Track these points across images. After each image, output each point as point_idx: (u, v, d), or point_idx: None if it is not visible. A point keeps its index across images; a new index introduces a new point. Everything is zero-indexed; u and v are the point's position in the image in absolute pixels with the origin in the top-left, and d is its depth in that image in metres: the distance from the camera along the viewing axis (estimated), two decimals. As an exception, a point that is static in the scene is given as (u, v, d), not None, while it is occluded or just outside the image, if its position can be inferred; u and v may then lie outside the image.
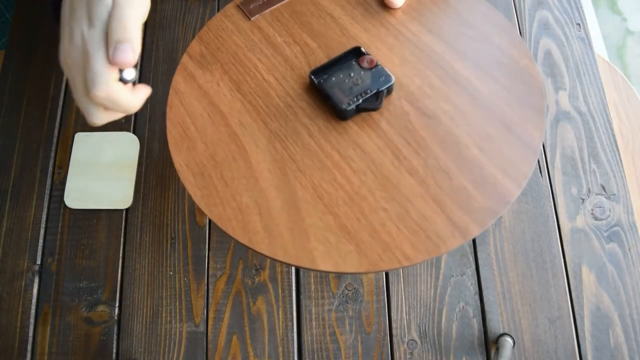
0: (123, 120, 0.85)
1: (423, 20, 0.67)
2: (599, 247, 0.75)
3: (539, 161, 0.80)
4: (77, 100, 0.55)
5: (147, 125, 0.85)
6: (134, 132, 0.84)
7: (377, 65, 0.62)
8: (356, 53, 0.64)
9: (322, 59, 0.66)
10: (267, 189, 0.58)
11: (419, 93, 0.62)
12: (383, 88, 0.60)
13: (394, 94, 0.62)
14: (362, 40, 0.66)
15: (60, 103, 0.88)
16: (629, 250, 0.75)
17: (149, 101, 0.85)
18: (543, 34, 0.89)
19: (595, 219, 0.77)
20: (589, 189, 0.79)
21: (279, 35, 0.68)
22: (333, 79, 0.62)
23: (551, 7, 0.91)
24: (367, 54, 0.63)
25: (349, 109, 0.59)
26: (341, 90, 0.61)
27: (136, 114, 0.85)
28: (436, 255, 0.52)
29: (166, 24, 0.92)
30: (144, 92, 0.59)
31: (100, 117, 0.57)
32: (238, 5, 0.71)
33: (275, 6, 0.70)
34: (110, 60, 0.52)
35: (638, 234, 0.76)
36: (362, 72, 0.62)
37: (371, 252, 0.53)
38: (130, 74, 0.55)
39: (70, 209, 0.80)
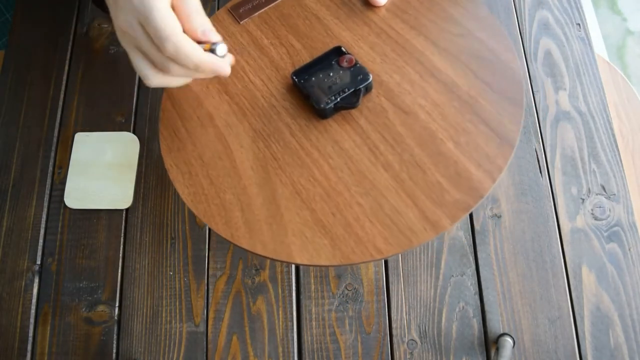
0: (123, 120, 0.86)
1: (405, 17, 0.68)
2: (599, 247, 0.75)
3: (539, 161, 0.80)
4: (138, 64, 0.57)
5: (147, 125, 0.85)
6: (134, 132, 0.85)
7: (356, 64, 0.63)
8: (337, 53, 0.65)
9: (306, 59, 0.67)
10: (249, 186, 0.59)
11: (398, 90, 0.62)
12: (360, 86, 0.61)
13: (373, 91, 0.63)
14: (346, 39, 0.67)
15: (60, 103, 0.89)
16: (629, 250, 0.74)
17: (149, 101, 0.87)
18: (543, 34, 0.88)
19: (595, 219, 0.76)
20: (589, 189, 0.78)
21: (265, 38, 0.70)
22: (313, 79, 0.63)
23: (551, 7, 0.90)
24: (347, 54, 0.64)
25: (327, 107, 0.60)
26: (321, 90, 0.62)
27: (136, 114, 0.86)
28: (408, 249, 0.53)
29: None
30: (226, 62, 0.60)
31: (177, 72, 0.57)
32: (229, 10, 0.73)
33: (263, 9, 0.72)
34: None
35: (638, 234, 0.75)
36: (342, 72, 0.63)
37: (344, 246, 0.54)
38: (222, 49, 0.58)
39: (70, 209, 0.81)
